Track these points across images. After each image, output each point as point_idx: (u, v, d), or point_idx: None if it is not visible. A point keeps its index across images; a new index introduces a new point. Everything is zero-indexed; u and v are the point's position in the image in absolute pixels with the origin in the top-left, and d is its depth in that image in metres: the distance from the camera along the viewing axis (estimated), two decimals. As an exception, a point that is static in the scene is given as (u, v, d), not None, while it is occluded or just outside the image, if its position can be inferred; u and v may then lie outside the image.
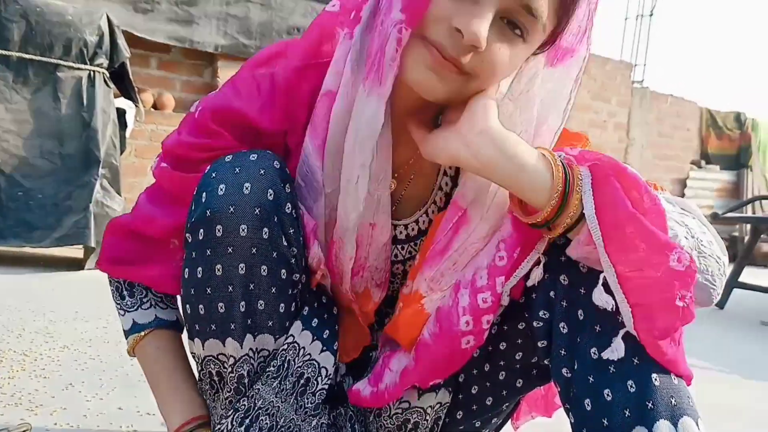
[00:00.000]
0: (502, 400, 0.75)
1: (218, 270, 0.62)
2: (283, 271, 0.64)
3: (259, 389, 0.66)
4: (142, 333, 0.77)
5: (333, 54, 0.66)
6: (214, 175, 0.63)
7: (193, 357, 0.69)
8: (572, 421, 0.61)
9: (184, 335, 0.72)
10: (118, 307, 0.79)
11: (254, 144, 0.68)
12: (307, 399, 0.67)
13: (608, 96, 5.52)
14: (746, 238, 3.46)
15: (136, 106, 2.81)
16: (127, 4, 3.21)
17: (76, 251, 2.73)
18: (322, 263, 0.69)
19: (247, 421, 0.66)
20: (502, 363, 0.72)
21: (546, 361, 0.65)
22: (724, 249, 0.62)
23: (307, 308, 0.69)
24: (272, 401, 0.66)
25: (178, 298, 0.71)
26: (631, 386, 0.56)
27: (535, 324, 0.65)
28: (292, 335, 0.67)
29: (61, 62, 2.44)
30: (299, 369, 0.67)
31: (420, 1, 0.57)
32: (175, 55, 3.55)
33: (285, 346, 0.66)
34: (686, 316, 0.54)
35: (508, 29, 0.59)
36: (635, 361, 0.56)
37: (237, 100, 0.68)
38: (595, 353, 0.58)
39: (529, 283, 0.64)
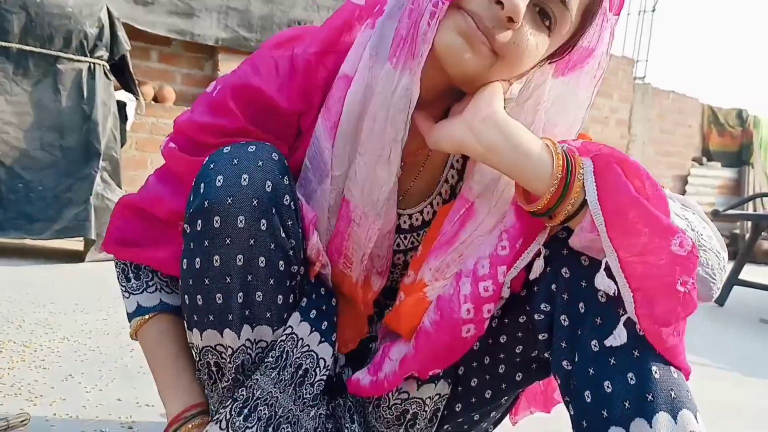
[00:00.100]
0: (501, 393, 0.75)
1: (216, 261, 0.61)
2: (281, 262, 0.64)
3: (257, 380, 0.66)
4: (146, 316, 0.76)
5: (353, 44, 0.67)
6: (212, 166, 0.63)
7: (192, 347, 0.69)
8: (572, 413, 0.61)
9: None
10: (123, 289, 0.79)
11: (267, 125, 0.68)
12: (306, 390, 0.67)
13: (610, 92, 5.51)
14: (747, 236, 3.46)
15: (136, 98, 2.81)
16: (128, -4, 3.20)
17: (76, 243, 2.74)
18: (321, 254, 0.69)
19: (246, 410, 0.66)
20: (502, 356, 0.72)
21: (546, 354, 0.65)
22: (724, 245, 0.63)
23: (305, 300, 0.69)
24: (271, 392, 0.66)
25: None
26: (631, 378, 0.56)
27: (536, 317, 0.65)
28: (290, 326, 0.67)
29: (62, 54, 2.43)
30: (298, 360, 0.67)
31: None
32: (176, 48, 3.54)
33: (283, 337, 0.66)
34: (687, 303, 0.54)
35: (539, 18, 0.61)
36: (636, 353, 0.57)
37: (256, 78, 0.68)
38: (595, 345, 0.58)
39: (531, 276, 0.64)
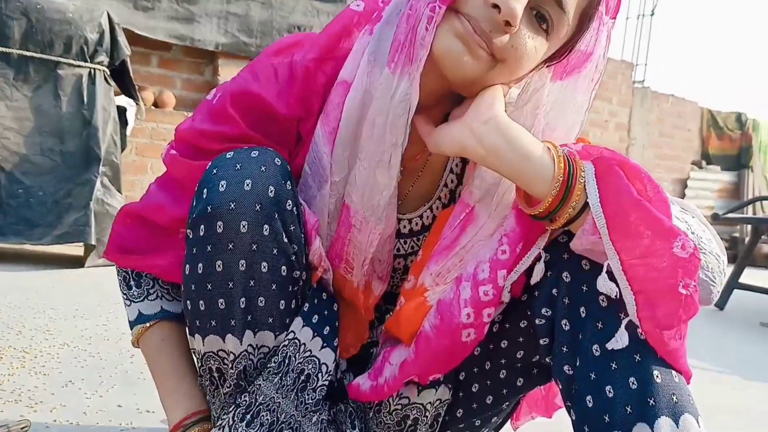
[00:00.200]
0: (502, 398, 0.75)
1: (219, 266, 0.62)
2: (284, 267, 0.64)
3: (260, 385, 0.66)
4: (147, 324, 0.77)
5: (351, 50, 0.68)
6: (215, 171, 0.63)
7: (194, 353, 0.69)
8: (573, 418, 0.61)
9: (187, 329, 0.72)
10: (125, 297, 0.79)
11: (267, 131, 0.69)
12: (308, 395, 0.67)
13: (609, 96, 5.52)
14: (747, 239, 3.46)
15: (136, 104, 2.81)
16: (128, 1, 3.21)
17: (76, 249, 2.73)
18: (323, 260, 0.69)
19: (248, 416, 0.66)
20: (503, 361, 0.72)
21: (548, 359, 0.65)
22: (723, 248, 0.63)
23: (307, 305, 0.69)
24: (273, 397, 0.66)
25: None
26: (633, 383, 0.56)
27: (537, 321, 0.65)
28: (292, 332, 0.67)
29: (62, 60, 2.44)
30: (300, 365, 0.67)
31: None
32: (176, 53, 3.55)
33: (286, 343, 0.67)
34: (689, 306, 0.54)
35: (536, 21, 0.61)
36: (637, 357, 0.56)
37: (255, 85, 0.69)
38: (597, 350, 0.58)
39: (532, 281, 0.64)
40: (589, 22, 0.64)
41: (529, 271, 0.64)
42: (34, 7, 2.38)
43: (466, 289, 0.65)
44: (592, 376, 0.58)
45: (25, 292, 1.99)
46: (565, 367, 0.61)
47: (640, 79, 6.07)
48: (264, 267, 0.62)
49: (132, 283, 0.78)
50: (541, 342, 0.65)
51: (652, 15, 6.16)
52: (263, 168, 0.62)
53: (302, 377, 0.67)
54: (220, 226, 0.61)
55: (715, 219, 3.38)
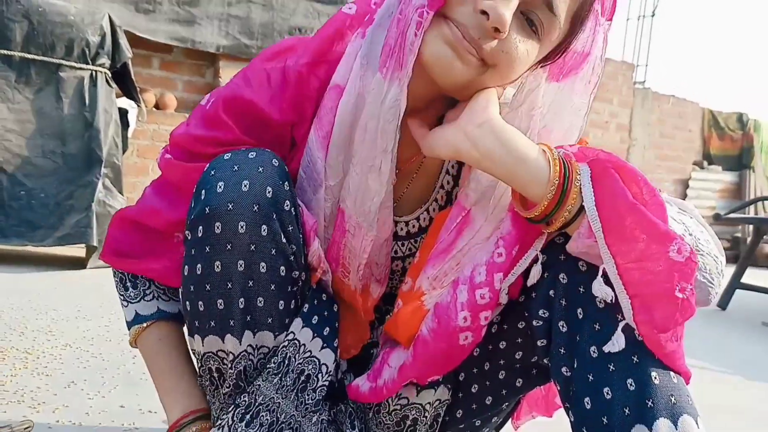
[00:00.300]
0: (502, 399, 0.75)
1: (217, 267, 0.62)
2: (282, 268, 0.64)
3: (259, 385, 0.66)
4: (144, 324, 0.77)
5: (344, 53, 0.67)
6: (213, 172, 0.63)
7: (193, 353, 0.70)
8: (572, 420, 0.61)
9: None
10: (122, 298, 0.80)
11: (261, 136, 0.69)
12: (308, 395, 0.67)
13: (610, 96, 5.52)
14: (748, 239, 3.45)
15: (138, 106, 2.82)
16: (129, 4, 3.22)
17: (78, 250, 2.74)
18: (322, 261, 0.69)
19: (248, 416, 0.66)
20: (502, 362, 0.72)
21: (546, 360, 0.65)
22: (722, 249, 0.62)
23: (307, 305, 0.69)
24: (273, 397, 0.66)
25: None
26: (631, 384, 0.55)
27: (534, 323, 0.65)
28: (292, 332, 0.67)
29: (64, 62, 2.44)
30: (300, 366, 0.67)
31: None
32: (177, 56, 3.55)
33: (285, 343, 0.67)
34: (686, 309, 0.54)
35: (526, 25, 0.61)
36: (635, 359, 0.56)
37: (247, 91, 0.69)
38: (594, 351, 0.58)
39: (529, 282, 0.64)
40: (583, 23, 0.63)
41: (526, 272, 0.64)
42: (35, 9, 2.38)
43: (462, 293, 0.65)
44: (590, 377, 0.58)
45: (27, 293, 1.99)
46: (563, 369, 0.61)
47: (641, 80, 6.07)
48: (263, 267, 0.63)
49: (128, 284, 0.79)
50: (539, 343, 0.65)
51: (652, 16, 6.16)
52: (261, 169, 0.63)
53: (302, 378, 0.67)
54: (218, 227, 0.61)
55: (717, 219, 3.38)
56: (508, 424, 0.86)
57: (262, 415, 0.66)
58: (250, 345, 0.65)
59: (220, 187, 0.62)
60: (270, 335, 0.66)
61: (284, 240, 0.64)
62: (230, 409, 0.67)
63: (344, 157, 0.67)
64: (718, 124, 6.48)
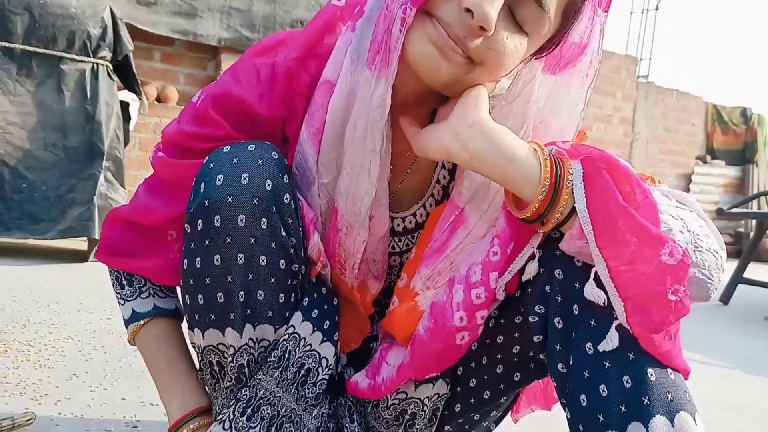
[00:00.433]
0: (500, 393, 0.75)
1: (217, 260, 0.62)
2: (282, 261, 0.64)
3: (260, 379, 0.66)
4: (142, 322, 0.77)
5: (334, 46, 0.66)
6: (212, 165, 0.63)
7: (194, 347, 0.70)
8: (569, 416, 0.61)
9: (184, 324, 0.72)
10: (118, 296, 0.80)
11: (252, 133, 0.68)
12: (308, 389, 0.67)
13: (613, 90, 5.49)
14: (751, 234, 3.45)
15: (139, 98, 2.81)
16: (131, -4, 3.20)
17: (80, 243, 2.74)
18: (321, 254, 0.69)
19: (249, 410, 0.66)
20: (499, 356, 0.72)
21: (542, 356, 0.65)
22: (723, 243, 0.62)
23: (307, 299, 0.69)
24: (273, 391, 0.66)
25: (178, 288, 0.72)
26: (627, 381, 0.55)
27: (530, 318, 0.64)
28: (292, 326, 0.67)
29: (65, 55, 2.44)
30: (300, 359, 0.67)
31: None
32: (179, 48, 3.54)
33: (285, 337, 0.67)
34: (679, 310, 0.53)
35: (514, 20, 0.59)
36: (630, 356, 0.56)
37: (236, 87, 0.68)
38: (590, 348, 0.58)
39: (524, 278, 0.63)
40: (576, 15, 0.62)
41: (522, 268, 0.63)
42: (37, 2, 2.38)
43: (458, 292, 0.64)
44: (586, 374, 0.57)
45: (29, 286, 2.00)
46: (559, 365, 0.61)
47: (645, 74, 6.05)
48: (262, 260, 0.63)
49: (124, 282, 0.79)
50: (535, 339, 0.65)
51: (656, 9, 6.13)
52: (260, 162, 0.62)
53: (302, 371, 0.67)
54: (217, 220, 0.61)
55: (720, 214, 3.37)
56: (508, 417, 0.86)
57: (263, 409, 0.66)
58: (251, 338, 0.65)
59: (219, 180, 0.61)
60: (270, 329, 0.66)
61: (284, 233, 0.64)
62: (231, 403, 0.67)
63: (337, 154, 0.66)
64: (721, 119, 6.45)
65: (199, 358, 0.69)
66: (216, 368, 0.68)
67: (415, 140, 0.66)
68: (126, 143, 2.71)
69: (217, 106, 0.68)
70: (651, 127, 5.84)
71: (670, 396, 0.54)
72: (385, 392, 0.69)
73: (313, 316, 0.68)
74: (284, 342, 0.67)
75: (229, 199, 0.61)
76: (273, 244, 0.63)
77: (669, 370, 0.56)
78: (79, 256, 2.60)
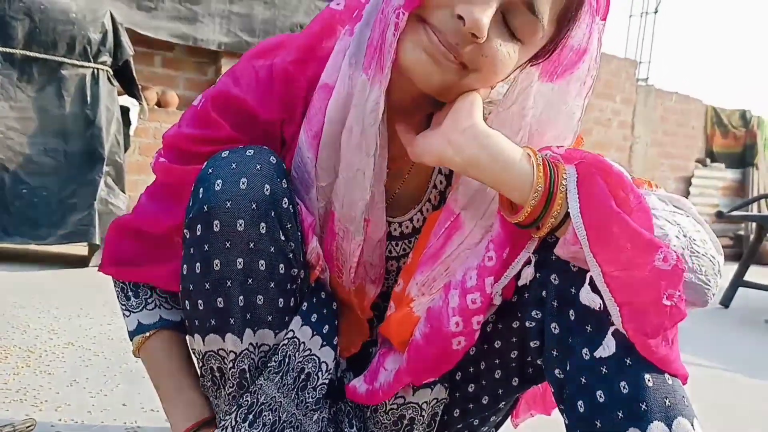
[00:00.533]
0: (499, 398, 0.74)
1: (216, 265, 0.62)
2: (282, 265, 0.64)
3: (261, 384, 0.67)
4: (147, 334, 0.77)
5: (333, 50, 0.67)
6: (210, 171, 0.63)
7: (194, 353, 0.70)
8: (566, 422, 0.60)
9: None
10: (123, 308, 0.79)
11: (252, 133, 0.68)
12: (308, 394, 0.67)
13: (613, 94, 5.50)
14: (752, 237, 3.44)
15: (139, 103, 2.82)
16: (131, 2, 3.21)
17: (80, 248, 2.74)
18: (320, 259, 0.69)
19: (251, 416, 0.66)
20: (497, 361, 0.72)
21: (539, 361, 0.65)
22: (720, 248, 0.61)
23: (306, 303, 0.69)
24: (274, 396, 0.66)
25: None
26: (624, 387, 0.55)
27: (527, 324, 0.64)
28: (292, 330, 0.67)
29: (65, 60, 2.44)
30: (300, 364, 0.67)
31: None
32: (179, 53, 3.55)
33: (285, 341, 0.67)
34: (675, 315, 0.54)
35: (507, 27, 0.59)
36: (627, 361, 0.56)
37: (236, 88, 0.69)
38: (586, 353, 0.58)
39: (520, 283, 0.63)
40: (571, 22, 0.62)
41: (519, 272, 0.63)
42: (37, 7, 2.38)
43: (454, 298, 0.64)
44: (583, 380, 0.57)
45: (29, 291, 2.00)
46: (556, 371, 0.61)
47: (644, 77, 6.05)
48: (262, 265, 0.63)
49: (130, 293, 0.78)
50: (532, 344, 0.65)
51: (655, 12, 6.14)
52: (258, 166, 0.63)
53: (302, 376, 0.67)
54: (216, 225, 0.61)
55: (720, 217, 3.38)
56: (507, 422, 0.86)
57: (265, 415, 0.66)
58: (251, 343, 0.65)
59: (218, 185, 0.62)
60: (270, 333, 0.66)
61: (283, 238, 0.64)
62: (233, 409, 0.67)
63: (334, 158, 0.66)
64: (721, 122, 6.45)
65: (200, 365, 0.69)
66: (217, 374, 0.68)
67: (410, 146, 0.66)
68: (126, 148, 2.71)
69: (216, 107, 0.69)
70: (650, 130, 5.85)
71: (667, 401, 0.54)
72: (383, 397, 0.69)
73: (313, 320, 0.69)
74: (284, 347, 0.67)
75: (228, 204, 0.61)
76: (272, 249, 0.63)
77: (666, 375, 0.56)
78: (80, 262, 2.60)
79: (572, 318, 0.60)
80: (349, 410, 0.75)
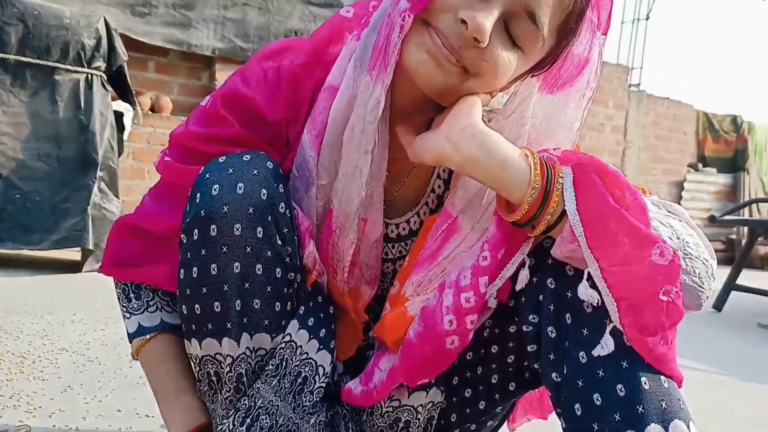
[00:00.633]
0: (495, 403, 0.75)
1: (213, 269, 0.62)
2: (278, 269, 0.65)
3: (258, 388, 0.67)
4: (147, 336, 0.77)
5: (339, 55, 0.68)
6: (207, 175, 0.64)
7: (191, 358, 0.70)
8: (563, 426, 0.61)
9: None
10: (124, 309, 0.79)
11: (260, 132, 0.69)
12: (305, 397, 0.68)
13: (605, 99, 5.54)
14: (743, 241, 3.47)
15: (133, 109, 2.82)
16: (125, 7, 3.21)
17: (73, 254, 2.73)
18: (317, 262, 0.70)
19: (248, 420, 0.66)
20: (494, 366, 0.72)
21: (536, 365, 0.65)
22: (713, 252, 0.62)
23: (303, 307, 0.69)
24: (272, 400, 0.66)
25: None
26: (621, 390, 0.55)
27: (524, 328, 0.65)
28: (288, 334, 0.67)
29: (59, 65, 2.44)
30: (297, 368, 0.67)
31: None
32: (173, 59, 3.55)
33: (282, 345, 0.67)
34: (672, 312, 0.54)
35: (510, 35, 0.60)
36: (624, 364, 0.56)
37: (245, 87, 0.70)
38: (583, 357, 0.58)
39: (517, 287, 0.64)
40: (571, 35, 0.63)
41: (514, 276, 0.64)
42: (31, 12, 2.38)
43: (448, 296, 0.65)
44: (580, 383, 0.58)
45: (22, 297, 1.98)
46: (553, 375, 0.61)
47: (636, 83, 6.10)
48: (258, 269, 0.63)
49: (132, 295, 0.78)
50: (529, 349, 0.65)
51: (647, 19, 6.19)
52: (255, 171, 0.63)
53: (299, 380, 0.68)
54: (213, 230, 0.61)
55: (712, 221, 3.39)
56: (504, 426, 0.86)
57: (262, 419, 0.66)
58: (248, 347, 0.66)
59: (215, 190, 0.62)
60: (267, 337, 0.66)
61: (279, 242, 0.64)
62: (230, 413, 0.67)
63: (335, 157, 0.67)
64: (712, 127, 6.50)
65: (197, 369, 0.69)
66: (214, 378, 0.68)
67: (410, 148, 0.67)
68: (120, 153, 2.70)
69: (226, 104, 0.70)
70: (643, 135, 5.89)
71: (664, 404, 0.55)
72: (377, 397, 0.70)
73: (309, 324, 0.69)
74: (281, 350, 0.67)
75: (225, 209, 0.61)
76: (269, 253, 0.63)
77: (663, 378, 0.56)
78: (73, 267, 2.58)
79: (569, 321, 0.60)
80: (346, 413, 0.75)
